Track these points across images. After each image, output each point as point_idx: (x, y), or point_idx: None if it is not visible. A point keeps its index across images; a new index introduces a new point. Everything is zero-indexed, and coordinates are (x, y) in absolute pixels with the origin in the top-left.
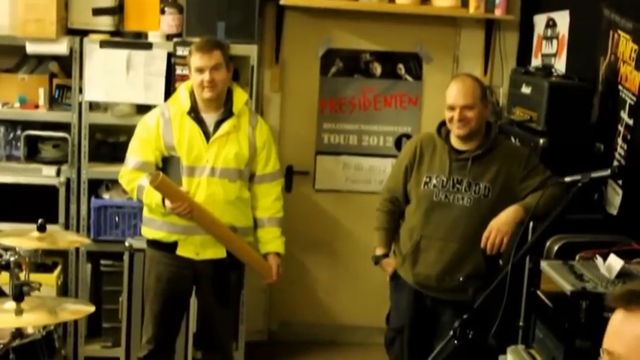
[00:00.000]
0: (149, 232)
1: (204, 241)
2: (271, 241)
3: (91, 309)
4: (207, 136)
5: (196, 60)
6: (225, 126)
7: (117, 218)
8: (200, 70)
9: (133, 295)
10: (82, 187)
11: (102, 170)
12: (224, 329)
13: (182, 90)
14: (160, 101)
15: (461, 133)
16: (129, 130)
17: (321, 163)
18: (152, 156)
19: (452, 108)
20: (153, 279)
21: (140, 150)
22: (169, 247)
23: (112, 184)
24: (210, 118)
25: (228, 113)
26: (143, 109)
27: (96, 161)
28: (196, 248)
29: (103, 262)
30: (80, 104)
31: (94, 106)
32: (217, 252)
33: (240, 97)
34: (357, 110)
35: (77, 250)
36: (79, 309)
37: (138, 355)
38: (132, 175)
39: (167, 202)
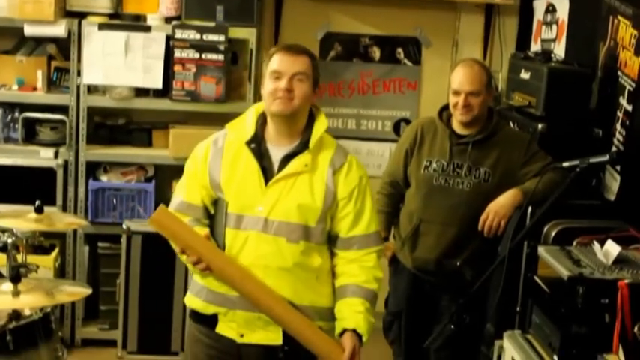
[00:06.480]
0: (188, 297)
1: (250, 319)
2: (349, 316)
3: (88, 291)
4: (268, 175)
5: (275, 62)
6: (295, 163)
7: (114, 201)
8: (277, 76)
9: (130, 278)
10: (79, 170)
11: (100, 153)
12: None
13: (249, 113)
14: (158, 84)
15: (464, 120)
16: (127, 113)
17: None
18: (197, 196)
19: (457, 93)
20: None
21: (185, 187)
22: (208, 321)
23: (110, 166)
24: (277, 151)
25: (302, 146)
26: (141, 91)
27: (94, 144)
28: (239, 327)
29: (100, 244)
30: (78, 87)
31: (92, 89)
32: (269, 336)
33: (319, 125)
34: (355, 94)
35: (75, 232)
36: (76, 291)
37: None
38: None
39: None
